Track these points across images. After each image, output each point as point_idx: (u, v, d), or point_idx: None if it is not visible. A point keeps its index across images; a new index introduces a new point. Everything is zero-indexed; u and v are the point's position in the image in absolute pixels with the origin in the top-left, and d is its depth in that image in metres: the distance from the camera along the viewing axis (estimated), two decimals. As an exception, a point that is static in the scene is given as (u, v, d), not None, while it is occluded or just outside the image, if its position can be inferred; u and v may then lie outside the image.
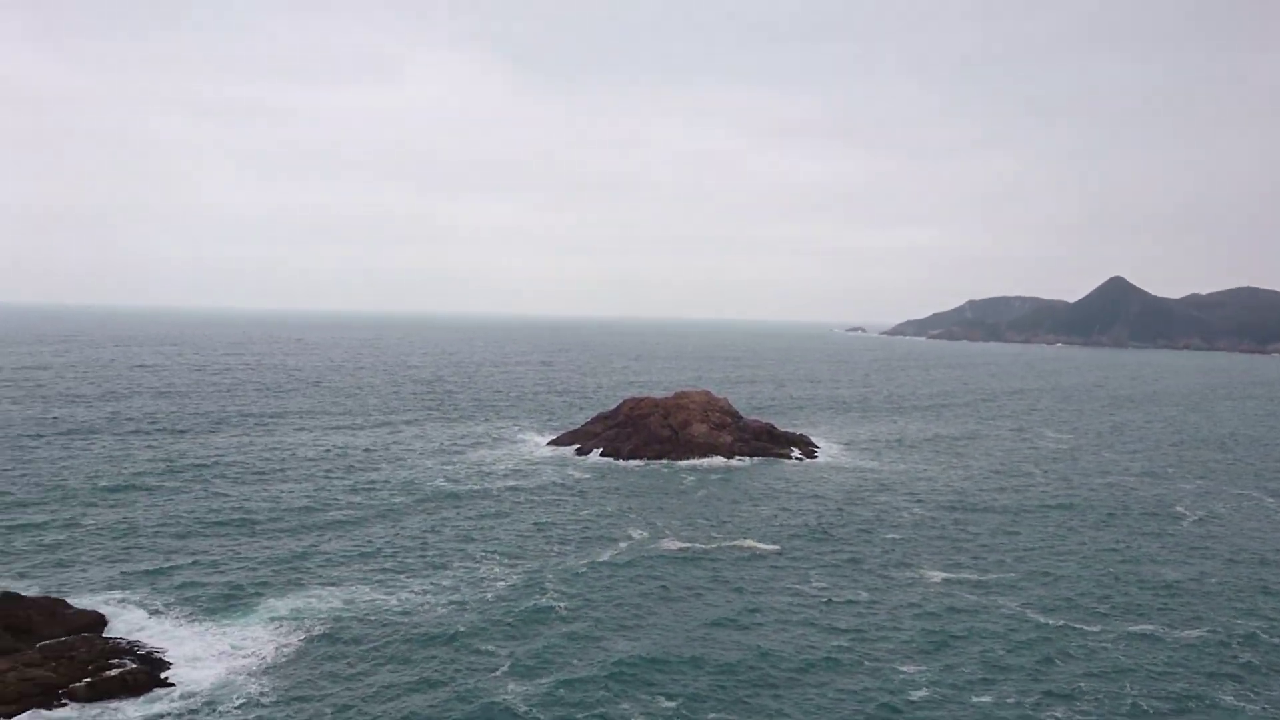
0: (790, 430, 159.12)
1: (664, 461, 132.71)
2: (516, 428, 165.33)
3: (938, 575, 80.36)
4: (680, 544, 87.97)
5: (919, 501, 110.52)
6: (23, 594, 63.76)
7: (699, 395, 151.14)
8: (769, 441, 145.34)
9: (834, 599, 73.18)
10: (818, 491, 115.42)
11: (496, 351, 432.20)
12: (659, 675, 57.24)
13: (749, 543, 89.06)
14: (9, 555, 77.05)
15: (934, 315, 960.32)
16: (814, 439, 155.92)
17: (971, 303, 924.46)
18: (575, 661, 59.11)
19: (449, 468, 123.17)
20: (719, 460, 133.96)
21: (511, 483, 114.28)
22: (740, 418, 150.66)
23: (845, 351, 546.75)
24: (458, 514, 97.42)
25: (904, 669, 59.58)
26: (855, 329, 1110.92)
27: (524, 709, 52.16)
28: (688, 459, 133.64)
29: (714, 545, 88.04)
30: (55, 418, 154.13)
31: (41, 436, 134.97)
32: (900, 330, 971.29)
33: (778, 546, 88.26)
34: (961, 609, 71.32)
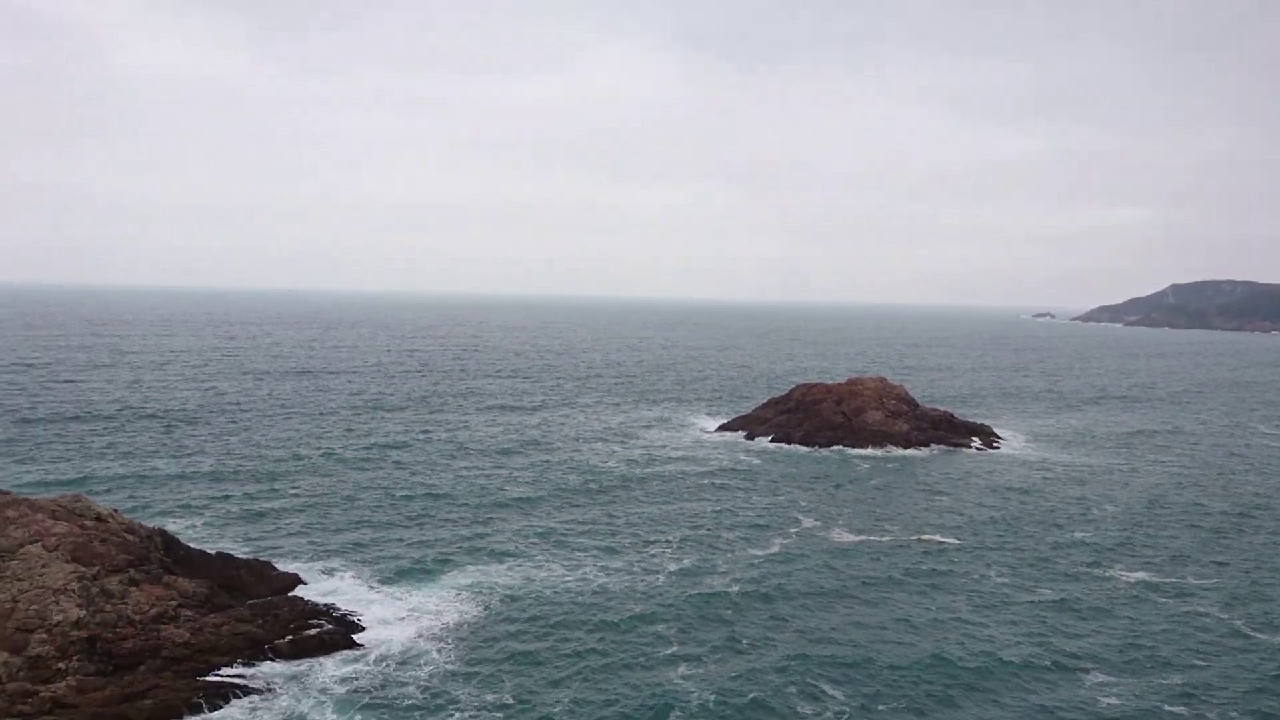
0: (971, 419, 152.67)
1: (836, 449, 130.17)
2: (687, 411, 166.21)
3: (1131, 578, 75.15)
4: (853, 535, 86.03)
5: (1111, 499, 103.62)
6: (235, 555, 69.39)
7: (873, 381, 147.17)
8: (947, 430, 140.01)
9: (1016, 599, 69.68)
10: (1000, 484, 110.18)
11: (666, 336, 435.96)
12: (830, 670, 56.15)
13: (926, 536, 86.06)
14: (224, 520, 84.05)
15: (1131, 301, 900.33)
16: (996, 429, 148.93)
17: (1175, 287, 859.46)
18: (745, 651, 58.85)
19: (622, 450, 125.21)
20: (894, 449, 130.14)
21: (683, 467, 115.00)
22: (917, 405, 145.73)
23: (1033, 338, 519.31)
24: (630, 496, 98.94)
25: (1093, 677, 56.07)
26: (1044, 315, 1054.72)
27: (694, 694, 52.38)
28: (861, 447, 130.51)
29: (888, 537, 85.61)
30: (268, 394, 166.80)
31: (257, 411, 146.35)
32: (1093, 316, 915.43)
33: (957, 541, 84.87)
34: (1157, 617, 66.39)
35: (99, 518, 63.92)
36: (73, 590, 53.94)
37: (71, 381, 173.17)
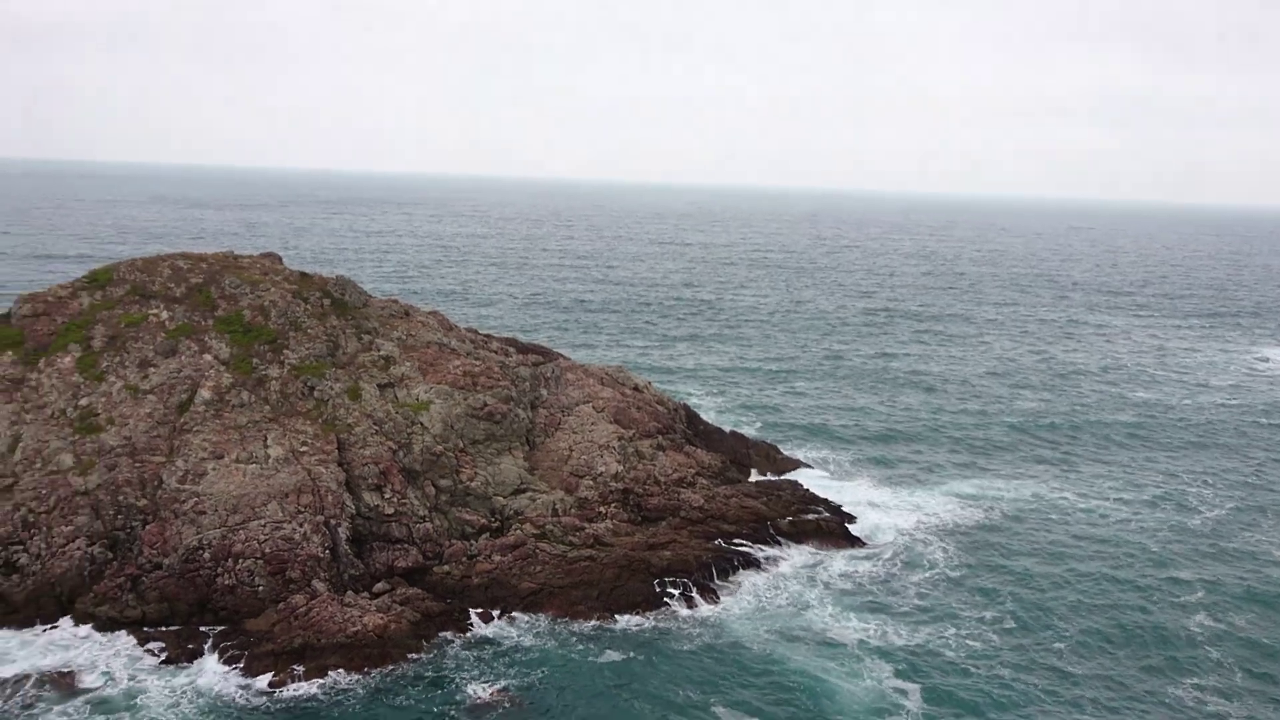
0: None
1: None
2: (1247, 340, 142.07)
3: None
4: None
5: None
6: (746, 435, 74.55)
7: None
8: None
9: None
10: None
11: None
12: None
13: None
14: (740, 405, 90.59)
15: None
16: None
17: None
18: (1267, 618, 50.02)
19: (1164, 377, 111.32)
20: None
21: (1237, 401, 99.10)
22: None
23: None
24: (1167, 433, 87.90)
25: None
26: None
27: (1209, 648, 46.11)
28: None
29: None
30: (798, 301, 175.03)
31: (783, 311, 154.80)
32: None
33: None
34: None
35: (636, 388, 72.47)
36: (613, 447, 62.03)
37: (609, 269, 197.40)
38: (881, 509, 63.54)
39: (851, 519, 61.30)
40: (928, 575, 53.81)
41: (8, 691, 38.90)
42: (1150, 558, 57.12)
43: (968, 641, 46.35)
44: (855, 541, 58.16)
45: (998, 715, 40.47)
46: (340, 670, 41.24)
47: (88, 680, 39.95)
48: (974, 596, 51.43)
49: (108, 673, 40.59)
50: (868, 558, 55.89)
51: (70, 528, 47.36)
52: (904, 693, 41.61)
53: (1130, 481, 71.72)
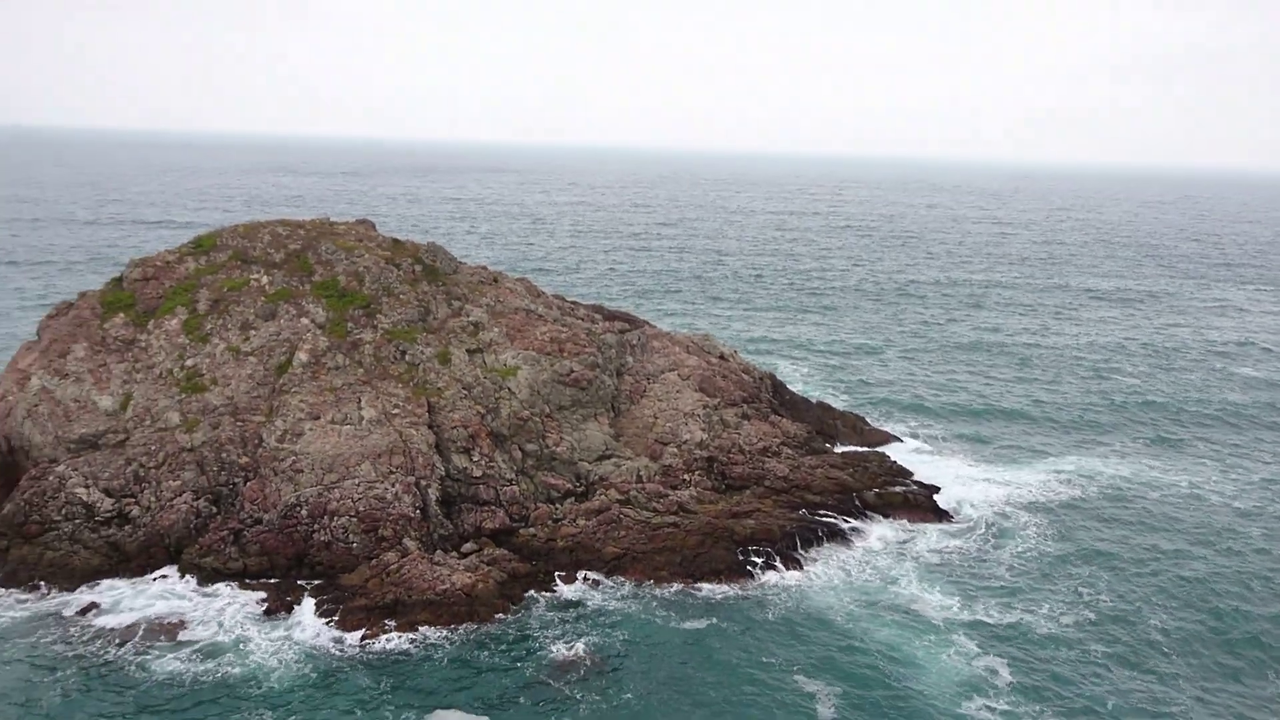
0: None
1: None
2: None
3: None
4: None
5: None
6: (832, 406, 73.67)
7: None
8: None
9: None
10: None
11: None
12: None
13: None
14: (827, 375, 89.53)
15: None
16: None
17: None
18: None
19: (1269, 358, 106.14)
20: None
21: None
22: None
23: None
24: (1273, 414, 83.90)
25: None
26: None
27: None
28: None
29: None
30: (889, 271, 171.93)
31: (862, 278, 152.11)
32: None
33: None
34: None
35: (722, 356, 72.17)
36: (698, 415, 61.99)
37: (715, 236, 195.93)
38: (972, 484, 62.15)
39: (940, 492, 60.13)
40: (1018, 552, 52.54)
41: (121, 638, 41.08)
42: (1252, 545, 54.73)
43: (1059, 620, 45.21)
44: (944, 516, 57.08)
45: (1089, 698, 39.41)
46: (429, 626, 42.42)
47: (195, 628, 41.92)
48: (1066, 576, 50.05)
49: (213, 622, 42.52)
50: (956, 533, 54.82)
51: (177, 482, 49.58)
52: (993, 670, 40.84)
53: (1236, 464, 68.74)
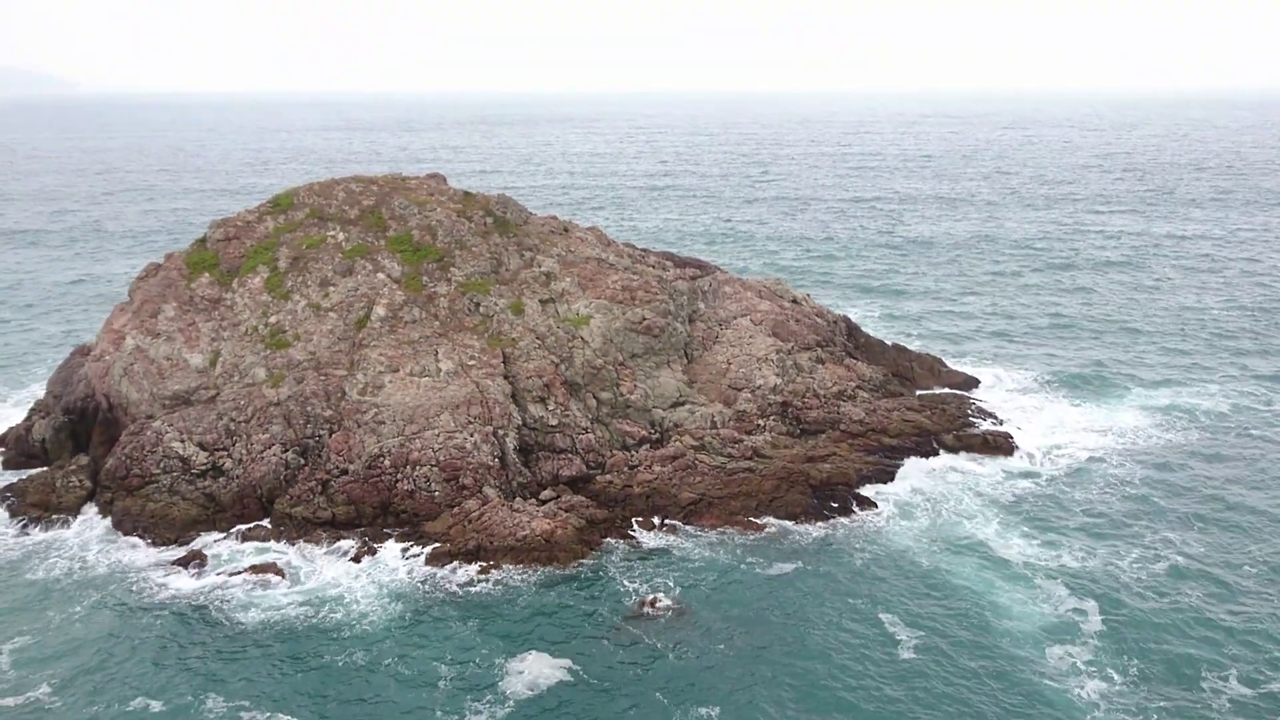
0: None
1: None
2: None
3: None
4: None
5: None
6: (908, 348, 72.42)
7: None
8: None
9: None
10: None
11: None
12: None
13: None
14: (903, 318, 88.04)
15: None
16: None
17: None
18: None
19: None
20: None
21: None
22: None
23: None
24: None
25: None
26: None
27: None
28: None
29: None
30: (969, 210, 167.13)
31: (948, 224, 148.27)
32: None
33: None
34: None
35: (795, 301, 71.36)
36: (771, 360, 61.60)
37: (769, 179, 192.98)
38: (1056, 425, 60.68)
39: (1021, 433, 58.95)
40: (1106, 494, 51.30)
41: (219, 585, 42.99)
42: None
43: (1150, 566, 44.00)
44: (1025, 457, 55.99)
45: (1185, 644, 38.27)
46: (512, 569, 43.41)
47: (288, 575, 43.59)
48: (1157, 518, 48.67)
49: (305, 568, 44.18)
50: (1038, 474, 53.75)
51: (266, 435, 51.29)
52: (1082, 614, 40.04)
53: (1340, 397, 65.70)
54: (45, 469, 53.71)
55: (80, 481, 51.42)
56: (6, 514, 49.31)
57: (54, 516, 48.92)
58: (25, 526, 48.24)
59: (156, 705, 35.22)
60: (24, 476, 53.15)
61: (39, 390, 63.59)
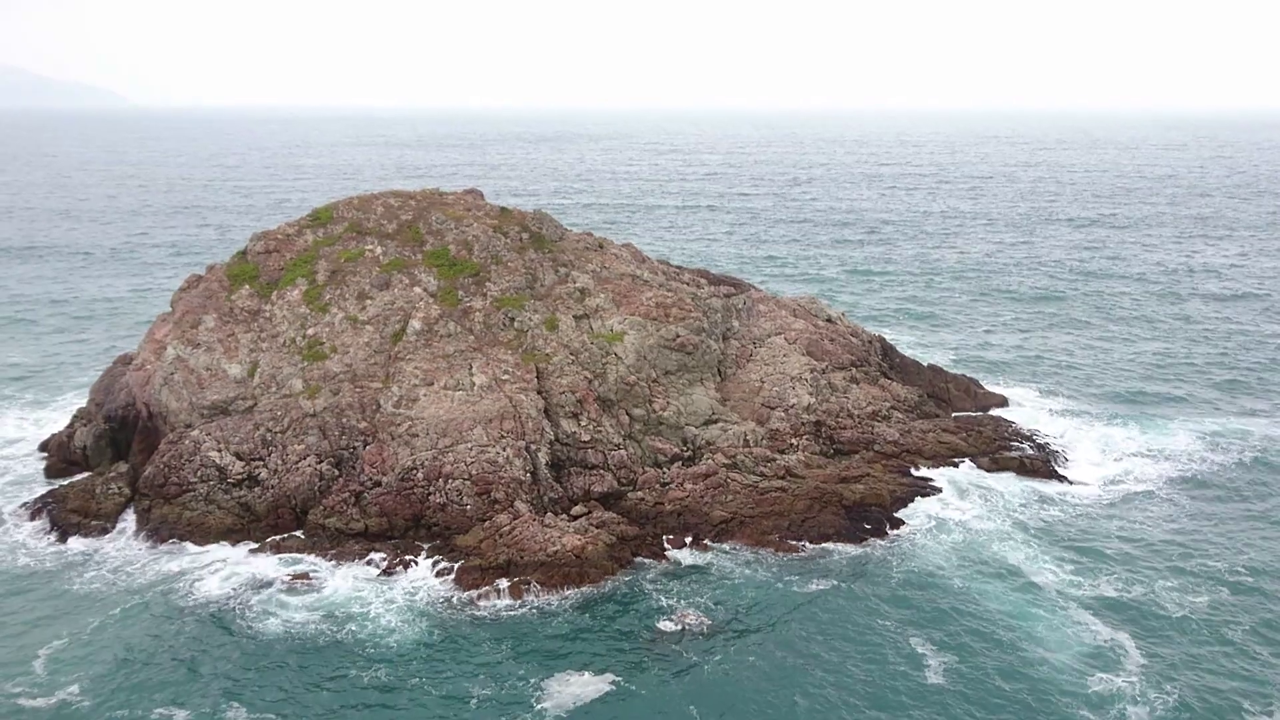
0: None
1: None
2: None
3: None
4: None
5: None
6: (944, 369, 71.68)
7: None
8: None
9: None
10: None
11: None
12: None
13: None
14: (939, 339, 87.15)
15: None
16: None
17: None
18: None
19: None
20: None
21: None
22: None
23: None
24: None
25: None
26: None
27: None
28: None
29: None
30: (1005, 227, 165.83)
31: (985, 242, 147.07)
32: None
33: None
34: None
35: (830, 320, 70.99)
36: (805, 379, 61.25)
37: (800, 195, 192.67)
38: (1094, 449, 59.73)
39: (1061, 457, 58.07)
40: (1147, 520, 50.33)
41: (250, 595, 43.31)
42: None
43: (1189, 597, 42.85)
44: (1062, 480, 55.13)
45: (1227, 679, 37.28)
46: (542, 588, 43.33)
47: (319, 587, 43.85)
48: (1199, 548, 47.57)
49: (336, 580, 44.39)
50: (1078, 500, 52.84)
51: (302, 446, 51.75)
52: (1118, 646, 39.03)
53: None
54: (86, 475, 54.58)
55: (119, 489, 52.17)
56: (47, 520, 50.12)
57: (93, 523, 49.64)
58: (64, 533, 48.98)
59: (181, 715, 35.49)
60: (65, 483, 54.05)
61: (80, 399, 64.68)
